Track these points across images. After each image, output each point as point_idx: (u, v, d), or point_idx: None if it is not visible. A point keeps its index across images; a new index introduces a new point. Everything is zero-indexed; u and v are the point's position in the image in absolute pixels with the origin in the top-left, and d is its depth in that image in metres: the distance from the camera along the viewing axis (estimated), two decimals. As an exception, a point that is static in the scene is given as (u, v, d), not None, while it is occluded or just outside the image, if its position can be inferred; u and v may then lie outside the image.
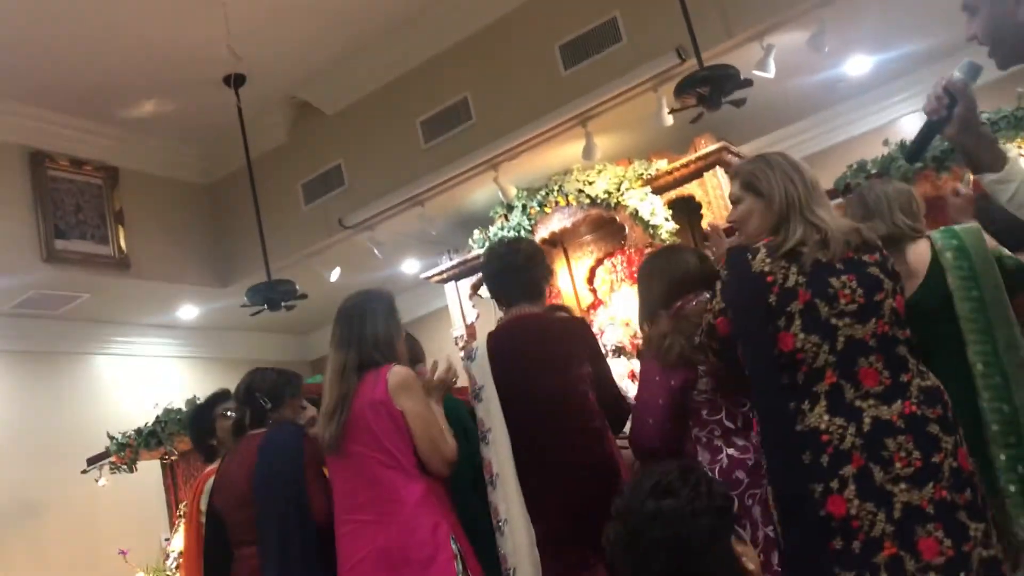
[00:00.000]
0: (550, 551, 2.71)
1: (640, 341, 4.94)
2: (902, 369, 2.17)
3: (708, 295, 2.63)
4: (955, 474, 2.09)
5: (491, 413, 2.86)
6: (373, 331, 2.85)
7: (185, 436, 5.15)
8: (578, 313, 5.40)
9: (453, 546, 2.63)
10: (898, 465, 2.08)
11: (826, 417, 2.15)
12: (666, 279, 2.73)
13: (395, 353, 2.88)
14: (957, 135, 1.97)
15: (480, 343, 3.02)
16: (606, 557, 1.70)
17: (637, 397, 2.75)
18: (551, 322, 3.00)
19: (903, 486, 2.07)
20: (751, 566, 1.62)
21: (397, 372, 2.79)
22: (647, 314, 2.79)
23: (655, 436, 2.64)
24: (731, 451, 2.49)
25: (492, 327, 3.12)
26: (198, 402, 4.05)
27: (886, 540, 2.05)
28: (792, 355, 2.21)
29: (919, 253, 2.61)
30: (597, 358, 2.94)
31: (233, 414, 3.48)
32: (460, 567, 2.61)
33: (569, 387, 2.81)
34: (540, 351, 2.88)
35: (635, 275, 5.28)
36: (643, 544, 1.59)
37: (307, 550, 2.93)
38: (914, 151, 2.12)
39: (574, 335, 2.94)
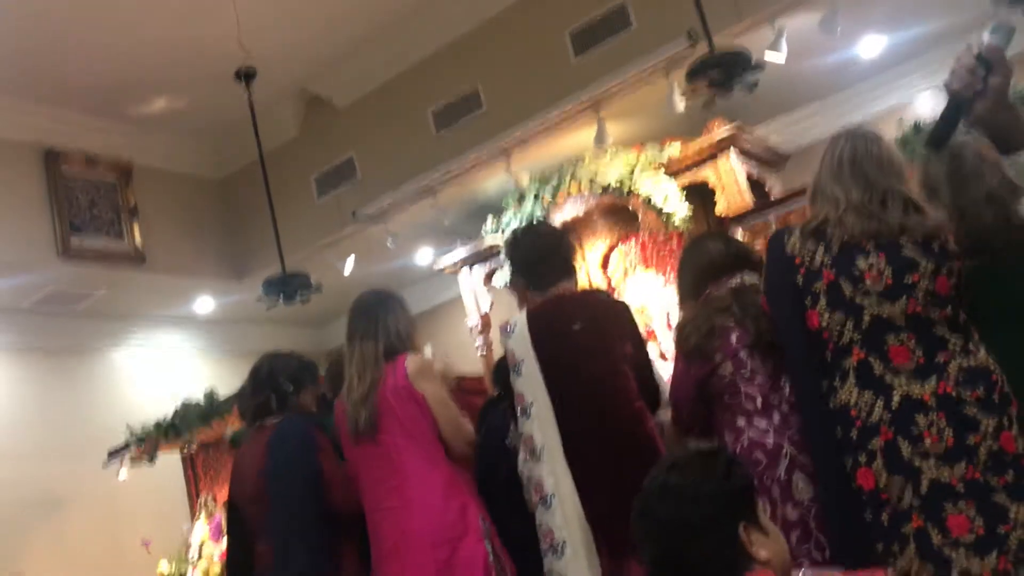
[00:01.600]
0: (597, 529, 2.70)
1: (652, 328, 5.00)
2: (939, 348, 2.15)
3: (739, 277, 2.67)
4: (994, 456, 2.06)
5: (533, 387, 2.85)
6: (395, 323, 2.98)
7: (205, 428, 5.19)
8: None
9: (482, 525, 2.73)
10: (928, 441, 2.08)
11: (855, 391, 2.17)
12: (693, 270, 2.79)
13: (414, 345, 3.01)
14: (991, 111, 1.73)
15: (519, 318, 2.99)
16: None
17: (670, 382, 2.80)
18: (595, 302, 3.02)
19: (931, 462, 2.07)
20: (763, 554, 1.60)
21: (414, 359, 2.91)
22: (680, 305, 2.89)
23: (686, 420, 2.72)
24: (751, 433, 2.51)
25: (506, 315, 3.12)
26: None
27: (913, 512, 2.06)
28: (819, 333, 2.24)
29: None
30: (638, 339, 2.94)
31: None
32: (489, 545, 2.70)
33: (613, 367, 2.80)
34: (585, 330, 2.85)
35: (649, 261, 5.31)
36: (648, 519, 1.62)
37: (323, 546, 2.91)
38: (941, 136, 1.84)
39: (618, 316, 2.94)
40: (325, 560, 2.91)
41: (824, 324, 2.23)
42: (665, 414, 2.89)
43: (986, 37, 1.74)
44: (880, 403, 2.13)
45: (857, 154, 2.32)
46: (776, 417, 2.49)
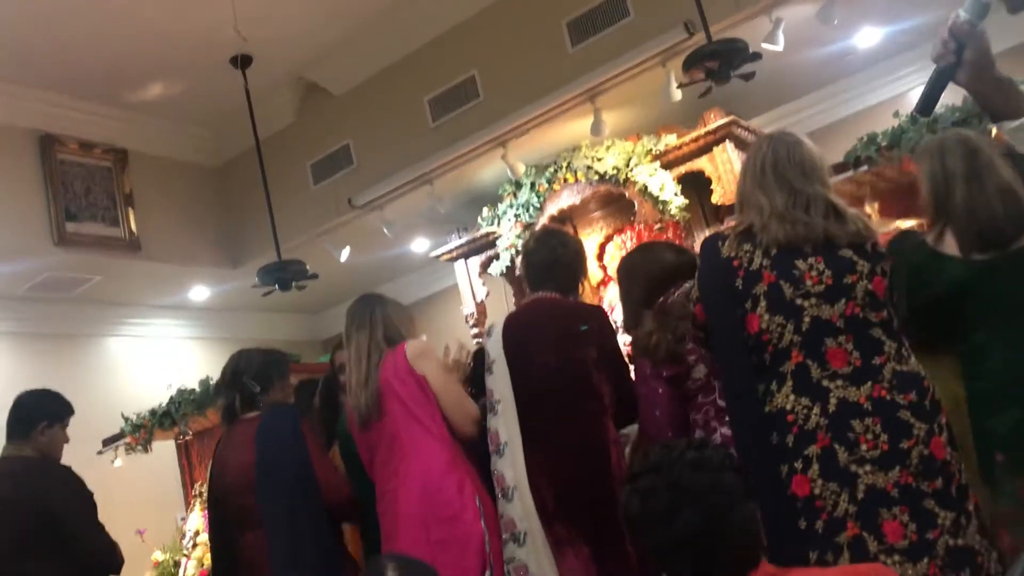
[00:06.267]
0: (544, 522, 2.78)
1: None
2: (875, 351, 2.16)
3: (688, 285, 2.66)
4: (925, 461, 2.07)
5: (501, 386, 2.95)
6: (391, 313, 3.08)
7: (200, 416, 5.19)
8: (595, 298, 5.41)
9: (477, 504, 2.79)
10: (864, 447, 2.08)
11: (792, 397, 2.16)
12: (645, 277, 2.79)
13: (412, 335, 3.10)
14: (969, 82, 1.82)
15: (498, 322, 3.11)
16: (623, 521, 1.69)
17: (639, 393, 2.80)
18: (563, 305, 3.04)
19: (868, 468, 2.06)
20: (763, 540, 1.64)
21: (413, 343, 3.00)
22: (631, 316, 2.86)
23: (665, 424, 2.70)
24: (724, 430, 2.51)
25: (502, 305, 3.17)
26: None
27: (849, 520, 2.06)
28: (759, 336, 2.23)
29: None
30: (606, 345, 2.94)
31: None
32: (484, 526, 2.76)
33: (568, 367, 2.86)
34: (546, 329, 2.95)
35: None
36: (679, 494, 1.57)
37: (319, 532, 2.94)
38: (924, 103, 1.91)
39: (580, 317, 2.97)
40: (330, 554, 2.94)
41: (764, 327, 2.21)
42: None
43: (960, 14, 1.78)
44: (817, 409, 2.12)
45: (779, 160, 2.31)
46: None
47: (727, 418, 2.51)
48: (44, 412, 3.45)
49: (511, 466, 2.86)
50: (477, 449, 2.98)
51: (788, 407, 2.16)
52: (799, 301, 2.19)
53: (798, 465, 2.12)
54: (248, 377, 3.22)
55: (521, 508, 2.80)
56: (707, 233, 4.69)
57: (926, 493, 2.05)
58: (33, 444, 3.39)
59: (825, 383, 2.14)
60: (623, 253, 5.40)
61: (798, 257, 2.22)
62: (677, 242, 4.78)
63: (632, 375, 3.00)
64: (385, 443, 2.92)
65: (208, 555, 4.55)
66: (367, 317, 3.05)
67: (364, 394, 2.93)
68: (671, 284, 2.71)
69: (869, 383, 2.12)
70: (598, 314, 3.07)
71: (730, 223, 4.38)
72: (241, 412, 3.22)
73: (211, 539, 3.43)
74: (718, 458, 1.61)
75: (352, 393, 2.98)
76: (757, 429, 2.21)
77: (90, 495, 3.43)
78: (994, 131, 3.24)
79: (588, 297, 5.22)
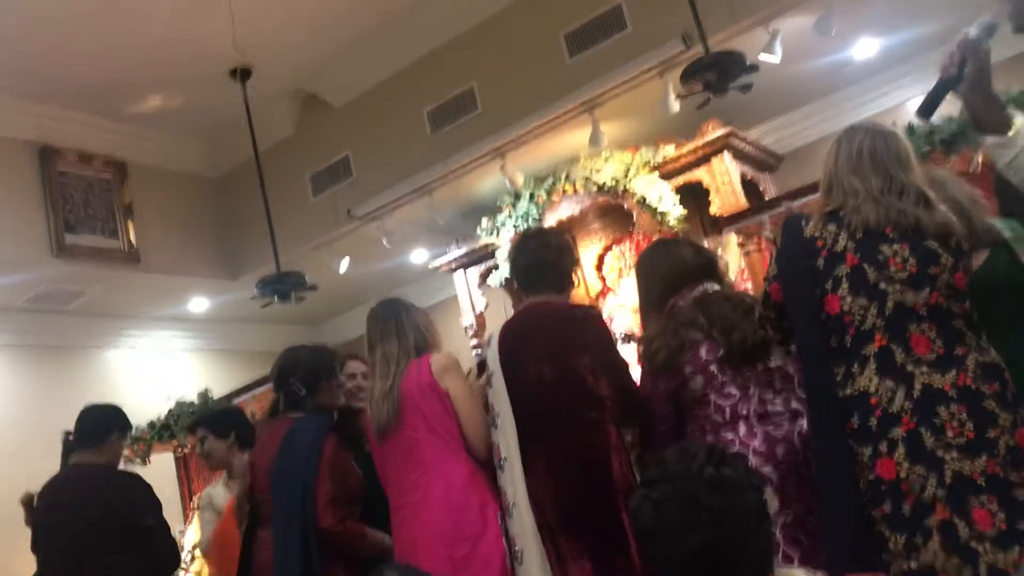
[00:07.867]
0: (546, 538, 2.73)
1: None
2: (957, 342, 2.16)
3: (701, 288, 2.65)
4: (1012, 452, 2.06)
5: (499, 399, 2.90)
6: (415, 321, 3.02)
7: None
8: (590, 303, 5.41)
9: (500, 522, 2.75)
10: (949, 433, 2.07)
11: (875, 379, 2.16)
12: (661, 275, 2.75)
13: (436, 342, 3.05)
14: (967, 94, 1.98)
15: (494, 332, 3.05)
16: (632, 523, 1.65)
17: (644, 397, 2.78)
18: (555, 311, 2.96)
19: (954, 454, 2.06)
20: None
21: (439, 357, 2.94)
22: (643, 314, 2.85)
23: (665, 433, 2.69)
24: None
25: (502, 315, 3.14)
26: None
27: (938, 504, 2.04)
28: (840, 318, 2.23)
29: None
30: (601, 348, 2.85)
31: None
32: (507, 544, 2.73)
33: (563, 375, 2.79)
34: (539, 338, 2.87)
35: (643, 262, 5.31)
36: (694, 511, 1.50)
37: (307, 551, 2.91)
38: (925, 108, 2.08)
39: (574, 323, 2.88)
40: (302, 569, 2.91)
41: (846, 308, 2.22)
42: None
43: (971, 31, 1.94)
44: (901, 392, 2.12)
45: (876, 148, 2.33)
46: (742, 429, 2.49)
47: (722, 432, 2.51)
48: (117, 423, 3.71)
49: (511, 482, 2.80)
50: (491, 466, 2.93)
51: (871, 389, 2.16)
52: (883, 285, 2.20)
53: (883, 448, 2.12)
54: (295, 379, 3.17)
55: (519, 525, 2.75)
56: (705, 243, 4.69)
57: (1015, 483, 2.04)
58: (105, 451, 3.63)
59: (910, 368, 2.14)
60: (621, 264, 5.44)
61: (883, 242, 2.22)
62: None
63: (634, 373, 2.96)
64: (402, 456, 2.86)
65: (206, 568, 4.55)
66: (394, 323, 2.98)
67: (385, 405, 2.86)
68: (685, 284, 2.69)
69: (954, 371, 2.12)
70: (591, 316, 2.98)
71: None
72: (284, 411, 3.18)
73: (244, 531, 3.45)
74: (737, 477, 1.54)
75: (374, 402, 2.91)
76: (832, 411, 2.20)
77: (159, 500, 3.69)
78: (980, 161, 3.33)
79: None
